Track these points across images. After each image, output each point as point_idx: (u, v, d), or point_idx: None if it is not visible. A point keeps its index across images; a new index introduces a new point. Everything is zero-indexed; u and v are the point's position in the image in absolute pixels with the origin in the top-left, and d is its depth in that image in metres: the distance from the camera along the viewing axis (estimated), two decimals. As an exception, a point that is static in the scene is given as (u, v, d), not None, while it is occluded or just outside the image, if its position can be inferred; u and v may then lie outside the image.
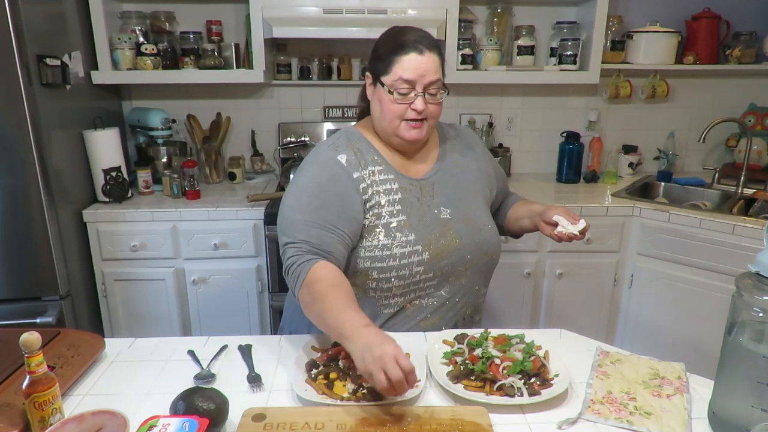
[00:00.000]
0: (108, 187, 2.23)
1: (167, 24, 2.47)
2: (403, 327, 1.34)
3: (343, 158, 1.32)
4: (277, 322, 2.26)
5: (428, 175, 1.39)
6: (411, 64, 1.26)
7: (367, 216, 1.31)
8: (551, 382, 1.08)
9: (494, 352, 1.13)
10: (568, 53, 2.54)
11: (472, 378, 1.08)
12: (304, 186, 1.30)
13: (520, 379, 1.07)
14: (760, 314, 0.88)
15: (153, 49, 2.37)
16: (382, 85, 1.29)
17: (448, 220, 1.36)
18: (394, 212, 1.32)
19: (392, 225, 1.31)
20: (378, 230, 1.31)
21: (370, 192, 1.31)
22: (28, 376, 0.89)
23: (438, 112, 1.33)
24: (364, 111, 1.45)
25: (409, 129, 1.31)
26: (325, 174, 1.30)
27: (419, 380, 1.08)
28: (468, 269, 1.37)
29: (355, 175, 1.31)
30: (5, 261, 1.96)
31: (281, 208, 1.31)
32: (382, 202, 1.32)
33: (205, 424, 0.86)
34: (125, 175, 2.29)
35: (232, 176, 2.61)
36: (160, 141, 2.50)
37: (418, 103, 1.27)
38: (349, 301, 1.15)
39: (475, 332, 1.23)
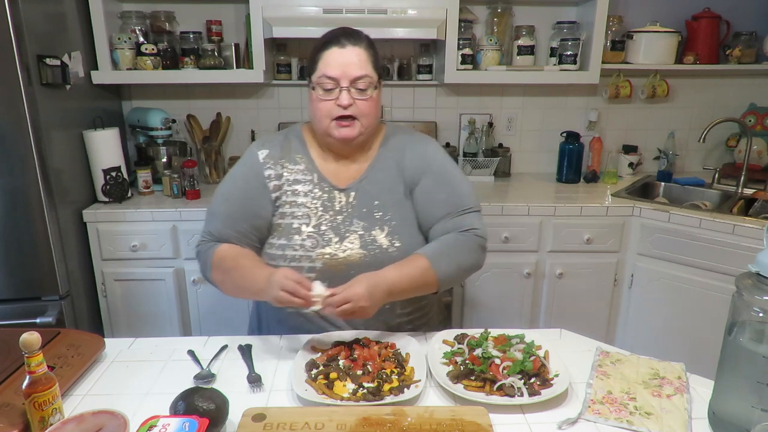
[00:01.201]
0: (108, 187, 2.23)
1: (167, 24, 2.47)
2: (317, 332, 1.30)
3: (263, 153, 1.35)
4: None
5: (352, 185, 1.35)
6: (332, 59, 1.25)
7: (275, 213, 1.33)
8: (551, 382, 1.08)
9: (494, 352, 1.13)
10: (568, 53, 2.54)
11: (472, 378, 1.08)
12: (225, 179, 1.38)
13: (520, 379, 1.07)
14: (760, 314, 0.88)
15: (153, 49, 2.36)
16: (311, 84, 1.29)
17: (358, 233, 1.31)
18: (299, 214, 1.32)
19: (293, 226, 1.31)
20: (280, 229, 1.32)
21: (281, 191, 1.33)
22: (28, 376, 0.89)
23: (369, 109, 1.28)
24: None
25: (339, 127, 1.28)
26: (240, 167, 1.36)
27: (419, 380, 1.08)
28: None
29: (267, 172, 1.33)
30: (5, 261, 1.96)
31: None
32: (289, 202, 1.32)
33: (205, 424, 0.86)
34: (125, 175, 2.29)
35: (232, 176, 2.61)
36: (160, 141, 2.50)
37: (343, 98, 1.24)
38: (256, 263, 1.27)
39: (475, 332, 1.24)
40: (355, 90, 1.25)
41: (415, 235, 1.36)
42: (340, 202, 1.33)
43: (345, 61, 1.24)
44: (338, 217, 1.32)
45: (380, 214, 1.33)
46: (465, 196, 1.36)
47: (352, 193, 1.34)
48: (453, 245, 1.30)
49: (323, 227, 1.31)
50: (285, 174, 1.34)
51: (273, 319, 1.41)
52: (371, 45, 1.30)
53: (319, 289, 1.14)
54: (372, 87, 1.28)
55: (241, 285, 1.25)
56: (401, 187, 1.35)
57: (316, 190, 1.34)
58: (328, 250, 1.29)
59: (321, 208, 1.32)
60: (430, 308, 1.47)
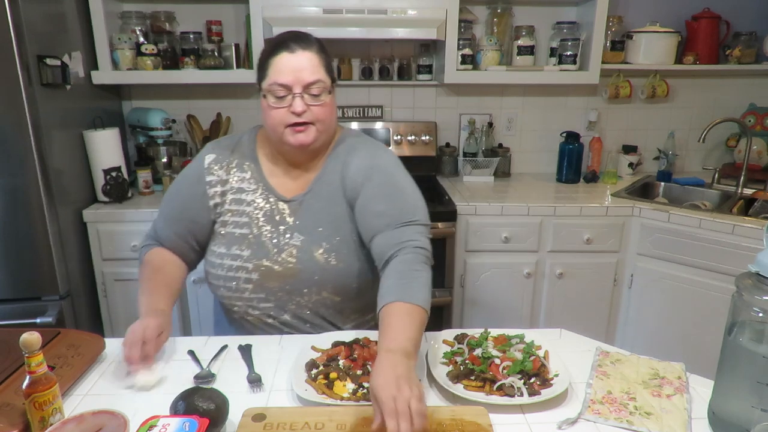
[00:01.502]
0: (108, 187, 2.23)
1: (167, 24, 2.47)
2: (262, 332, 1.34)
3: (210, 157, 1.33)
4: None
5: (297, 197, 1.31)
6: (283, 65, 1.20)
7: (216, 221, 1.32)
8: (551, 382, 1.08)
9: (494, 352, 1.13)
10: (568, 53, 2.54)
11: (472, 378, 1.08)
12: (177, 176, 1.38)
13: (520, 379, 1.07)
14: (760, 314, 0.88)
15: (153, 49, 2.37)
16: (260, 90, 1.25)
17: (297, 247, 1.28)
18: (239, 223, 1.30)
19: (234, 235, 1.30)
20: (220, 237, 1.31)
21: (222, 198, 1.32)
22: (28, 376, 0.89)
23: (325, 115, 1.24)
24: None
25: (294, 133, 1.23)
26: (187, 170, 1.36)
27: (419, 380, 1.08)
28: (310, 301, 1.30)
29: (209, 178, 1.32)
30: (5, 261, 1.96)
31: None
32: (231, 210, 1.31)
33: (205, 424, 0.86)
34: (125, 175, 2.29)
35: (232, 176, 2.61)
36: (160, 141, 2.50)
37: (297, 105, 1.20)
38: (156, 287, 1.27)
39: (475, 332, 1.24)
40: (309, 96, 1.21)
41: (357, 252, 1.30)
42: (283, 213, 1.31)
43: (296, 67, 1.19)
44: (280, 228, 1.30)
45: (321, 229, 1.29)
46: (408, 208, 1.24)
47: (296, 206, 1.31)
48: (405, 272, 1.14)
49: (263, 238, 1.29)
50: (230, 181, 1.32)
51: (226, 320, 1.43)
52: (322, 49, 1.25)
53: (142, 378, 1.07)
54: (326, 92, 1.23)
55: (139, 298, 1.27)
56: (344, 203, 1.30)
57: (260, 200, 1.31)
58: (265, 262, 1.28)
59: (263, 219, 1.30)
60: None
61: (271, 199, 1.31)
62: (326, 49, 1.27)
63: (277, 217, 1.30)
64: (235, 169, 1.33)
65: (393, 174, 1.29)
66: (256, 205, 1.31)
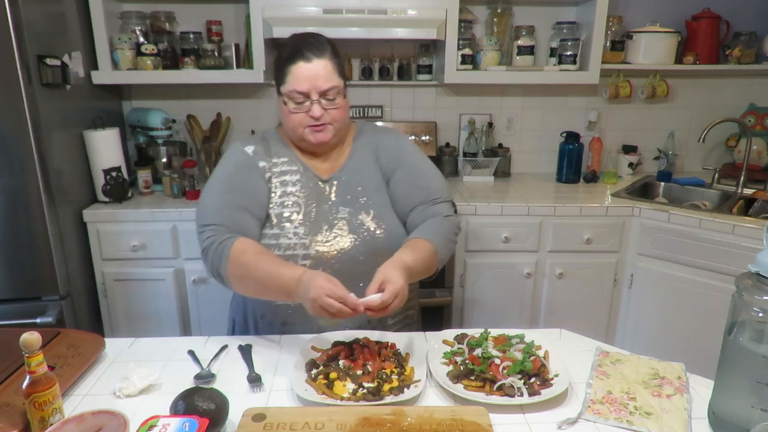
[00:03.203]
0: (108, 187, 2.23)
1: (167, 24, 2.47)
2: (303, 326, 1.32)
3: (250, 149, 1.40)
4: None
5: (333, 175, 1.41)
6: (300, 74, 1.29)
7: (270, 203, 1.36)
8: (551, 382, 1.08)
9: (494, 352, 1.13)
10: (568, 53, 2.54)
11: (472, 378, 1.08)
12: (215, 177, 1.38)
13: (520, 379, 1.07)
14: (760, 314, 0.88)
15: (153, 49, 2.36)
16: (280, 94, 1.34)
17: (345, 219, 1.36)
18: (289, 203, 1.36)
19: (284, 215, 1.35)
20: (272, 219, 1.35)
21: (273, 182, 1.37)
22: (28, 376, 0.89)
23: (341, 116, 1.35)
24: None
25: (313, 133, 1.34)
26: (233, 163, 1.38)
27: (419, 380, 1.08)
28: (364, 272, 1.28)
29: (261, 164, 1.38)
30: (5, 261, 1.96)
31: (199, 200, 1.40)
32: (279, 192, 1.37)
33: (205, 424, 0.86)
34: (125, 175, 2.29)
35: (232, 176, 2.61)
36: (160, 141, 2.50)
37: (315, 110, 1.30)
38: (279, 261, 1.25)
39: (475, 332, 1.24)
40: (325, 101, 1.31)
41: (396, 220, 1.41)
42: (324, 191, 1.39)
43: (312, 75, 1.28)
44: (324, 205, 1.37)
45: (364, 199, 1.39)
46: (438, 187, 1.45)
47: (335, 182, 1.40)
48: (444, 230, 1.37)
49: (313, 215, 1.35)
50: (273, 166, 1.39)
51: (258, 313, 1.40)
52: (335, 53, 1.34)
53: (126, 389, 1.06)
54: (341, 95, 1.33)
55: (264, 284, 1.21)
56: (379, 176, 1.43)
57: (303, 180, 1.38)
58: (319, 237, 1.33)
59: (309, 197, 1.37)
60: (415, 316, 1.51)
61: (312, 178, 1.39)
62: (338, 50, 1.35)
63: (321, 195, 1.38)
64: (272, 157, 1.40)
65: (420, 156, 1.48)
66: (301, 184, 1.38)
